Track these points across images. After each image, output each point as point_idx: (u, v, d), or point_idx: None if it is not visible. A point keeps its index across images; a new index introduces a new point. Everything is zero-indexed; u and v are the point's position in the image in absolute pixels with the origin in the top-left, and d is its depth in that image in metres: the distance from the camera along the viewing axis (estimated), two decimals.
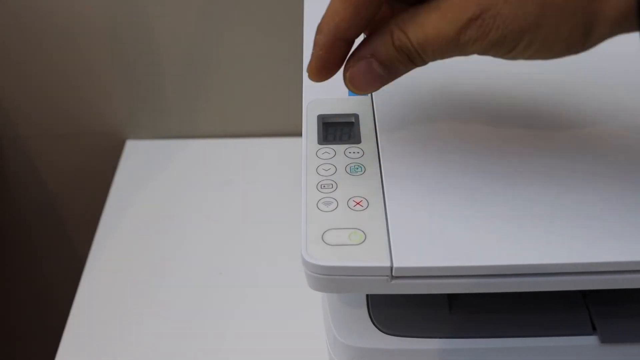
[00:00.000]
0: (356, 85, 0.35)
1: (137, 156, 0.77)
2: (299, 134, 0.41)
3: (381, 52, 0.34)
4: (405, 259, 0.33)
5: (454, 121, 0.40)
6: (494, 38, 0.31)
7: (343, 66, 0.35)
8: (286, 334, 0.59)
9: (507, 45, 0.31)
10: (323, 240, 0.35)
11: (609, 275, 0.34)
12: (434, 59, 0.33)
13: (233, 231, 0.68)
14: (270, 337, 0.59)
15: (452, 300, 0.40)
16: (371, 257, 0.34)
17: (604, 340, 0.38)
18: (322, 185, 0.37)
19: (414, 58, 0.33)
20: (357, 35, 0.34)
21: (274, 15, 0.69)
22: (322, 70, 0.35)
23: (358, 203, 0.36)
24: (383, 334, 0.39)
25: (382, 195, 0.37)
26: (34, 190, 0.83)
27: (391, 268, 0.33)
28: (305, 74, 0.43)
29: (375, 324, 0.39)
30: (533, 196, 0.36)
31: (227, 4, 0.68)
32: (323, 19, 0.34)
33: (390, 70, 0.34)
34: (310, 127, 0.41)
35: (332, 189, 0.37)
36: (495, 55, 0.32)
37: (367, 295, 0.40)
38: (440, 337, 0.39)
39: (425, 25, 0.32)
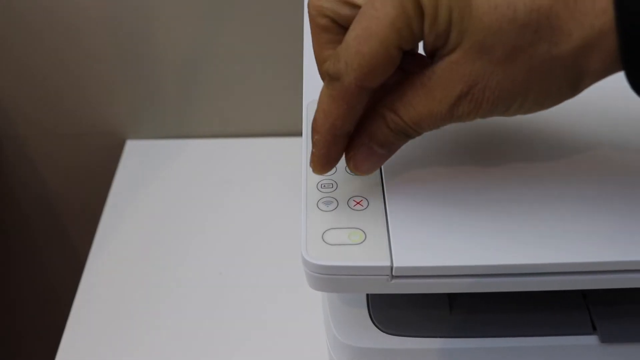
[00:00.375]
0: (362, 170, 0.36)
1: (137, 156, 0.77)
2: (299, 134, 0.41)
3: (378, 136, 0.34)
4: (405, 259, 0.33)
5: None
6: (486, 108, 0.31)
7: (344, 155, 0.36)
8: (286, 333, 0.59)
9: (500, 109, 0.32)
10: (323, 239, 0.35)
11: (609, 275, 0.34)
12: (431, 130, 0.33)
13: (233, 231, 0.68)
14: (270, 336, 0.59)
15: (453, 300, 0.40)
16: (371, 256, 0.34)
17: (604, 340, 0.38)
18: (322, 185, 0.38)
19: (410, 134, 0.34)
20: (354, 127, 0.35)
21: (274, 15, 0.69)
22: (325, 166, 0.35)
23: (358, 203, 0.37)
24: (383, 333, 0.39)
25: (382, 195, 0.37)
26: (34, 189, 0.83)
27: (391, 267, 0.33)
28: (305, 75, 0.43)
29: (376, 323, 0.39)
30: (533, 196, 0.36)
31: (227, 4, 0.68)
32: (317, 119, 0.34)
33: (391, 148, 0.35)
34: (310, 127, 0.41)
35: (332, 189, 0.37)
36: (490, 117, 0.32)
37: (367, 295, 0.40)
38: (440, 337, 0.39)
39: (415, 106, 0.32)
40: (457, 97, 0.31)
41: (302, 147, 0.40)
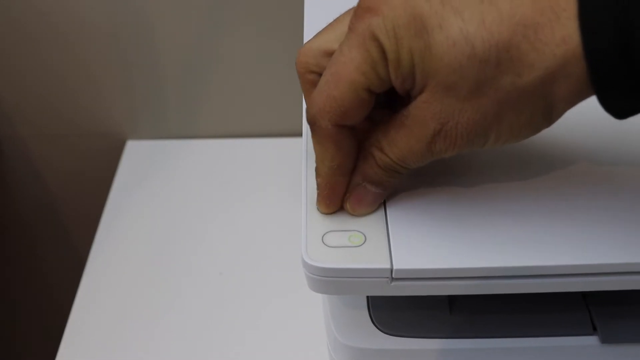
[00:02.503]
0: (358, 211, 0.36)
1: (137, 156, 0.77)
2: (300, 135, 0.41)
3: (370, 175, 0.35)
4: (405, 261, 0.34)
5: None
6: (462, 143, 0.32)
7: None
8: (287, 334, 0.59)
9: (478, 143, 0.32)
10: (323, 242, 0.35)
11: (609, 277, 0.34)
12: (418, 166, 0.34)
13: (233, 232, 0.68)
14: (270, 337, 0.59)
15: (452, 301, 0.40)
16: (371, 258, 0.34)
17: (605, 340, 0.38)
18: None
19: (400, 170, 0.34)
20: (353, 165, 0.35)
21: (275, 15, 0.69)
22: (330, 206, 0.36)
23: None
24: (384, 334, 0.39)
25: None
26: (34, 191, 0.83)
27: (391, 270, 0.33)
28: None
29: (376, 324, 0.39)
30: (533, 199, 0.36)
31: (227, 5, 0.68)
32: (316, 162, 0.35)
33: (385, 186, 0.36)
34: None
35: None
36: (471, 150, 0.33)
37: (367, 296, 0.41)
38: (440, 338, 0.39)
39: (398, 143, 0.33)
40: (432, 136, 0.32)
41: (302, 147, 0.40)
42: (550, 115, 0.31)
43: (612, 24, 0.28)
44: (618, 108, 0.30)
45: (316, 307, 0.55)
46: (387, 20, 0.31)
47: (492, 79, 0.30)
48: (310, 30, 0.45)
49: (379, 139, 0.34)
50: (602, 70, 0.29)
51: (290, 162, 0.72)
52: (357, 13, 0.32)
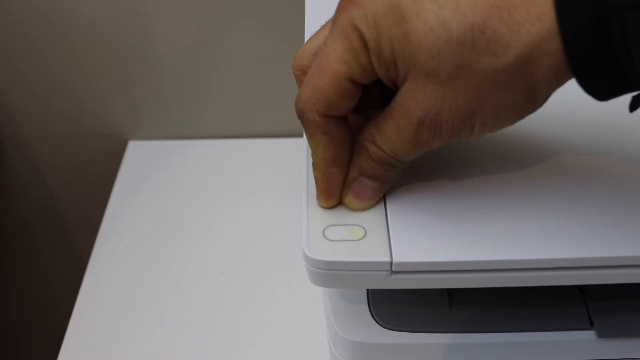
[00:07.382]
0: (357, 205, 0.36)
1: (139, 157, 0.77)
2: (301, 135, 0.41)
3: (366, 169, 0.35)
4: (404, 254, 0.34)
5: None
6: (449, 131, 0.32)
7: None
8: (288, 329, 0.59)
9: (465, 130, 0.32)
10: (324, 236, 0.35)
11: (607, 270, 0.34)
12: (411, 158, 0.34)
13: (234, 231, 0.68)
14: (272, 333, 0.59)
15: (452, 295, 0.40)
16: (371, 252, 0.34)
17: (602, 335, 0.39)
18: None
19: (394, 163, 0.34)
20: (348, 156, 0.36)
21: (275, 16, 0.69)
22: (330, 198, 0.37)
23: None
24: (383, 328, 0.39)
25: None
26: (36, 191, 0.84)
27: (391, 263, 0.34)
28: None
29: (376, 319, 0.40)
30: (531, 192, 0.37)
31: (228, 5, 0.69)
32: (313, 158, 0.36)
33: (382, 180, 0.36)
34: None
35: None
36: (461, 140, 0.33)
37: (367, 291, 0.41)
38: (439, 332, 0.39)
39: (388, 135, 0.33)
40: (417, 124, 0.32)
41: (302, 147, 0.40)
42: (534, 96, 0.31)
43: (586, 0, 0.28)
44: (597, 88, 0.30)
45: (316, 303, 0.55)
46: (367, 11, 0.31)
47: (470, 62, 0.30)
48: (311, 30, 0.46)
49: (372, 132, 0.34)
50: (577, 46, 0.28)
51: (291, 162, 0.73)
52: (340, 6, 0.32)
